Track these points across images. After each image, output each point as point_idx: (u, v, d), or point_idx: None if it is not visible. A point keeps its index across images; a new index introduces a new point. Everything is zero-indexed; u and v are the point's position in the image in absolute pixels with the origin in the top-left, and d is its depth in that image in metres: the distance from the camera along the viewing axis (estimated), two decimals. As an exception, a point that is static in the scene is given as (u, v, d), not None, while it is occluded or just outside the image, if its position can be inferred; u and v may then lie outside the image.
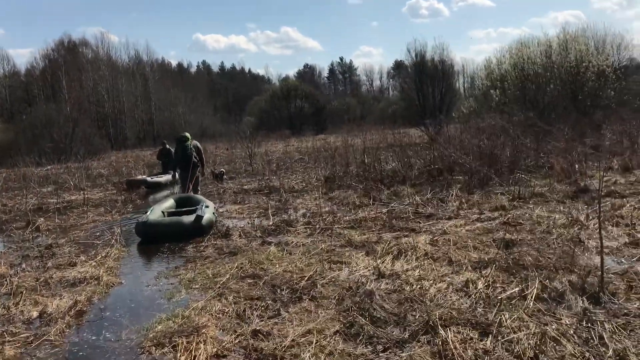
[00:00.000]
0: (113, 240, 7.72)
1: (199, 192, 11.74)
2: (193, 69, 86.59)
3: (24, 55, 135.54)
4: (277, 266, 5.70)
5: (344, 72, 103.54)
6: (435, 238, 6.40)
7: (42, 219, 10.18)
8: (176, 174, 11.59)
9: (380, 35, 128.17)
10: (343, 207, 9.54)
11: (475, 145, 11.32)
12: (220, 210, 10.38)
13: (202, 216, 8.37)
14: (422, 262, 5.43)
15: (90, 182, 18.87)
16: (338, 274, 5.33)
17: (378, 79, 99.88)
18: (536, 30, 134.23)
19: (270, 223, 8.29)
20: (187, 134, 11.43)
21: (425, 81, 29.01)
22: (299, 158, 22.80)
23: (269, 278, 5.30)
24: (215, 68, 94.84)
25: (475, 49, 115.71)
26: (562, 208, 7.85)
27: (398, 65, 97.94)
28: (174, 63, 78.94)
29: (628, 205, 7.55)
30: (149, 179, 16.42)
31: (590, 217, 6.83)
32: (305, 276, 5.25)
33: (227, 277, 5.47)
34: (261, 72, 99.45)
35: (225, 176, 15.70)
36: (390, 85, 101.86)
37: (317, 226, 7.76)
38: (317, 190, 11.88)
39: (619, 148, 12.89)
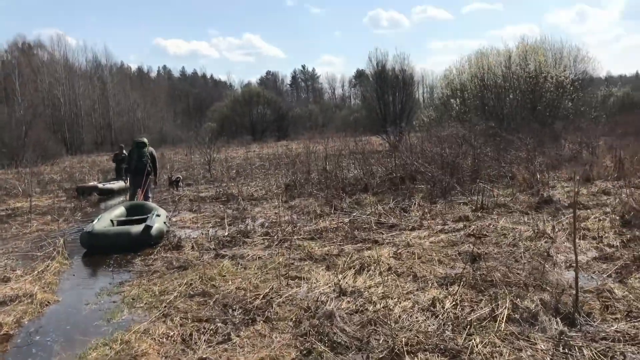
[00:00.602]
0: (55, 253, 7.12)
1: (150, 200, 11.20)
2: (153, 74, 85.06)
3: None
4: (230, 283, 5.28)
5: (306, 79, 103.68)
6: (399, 251, 6.09)
7: (-22, 227, 9.46)
8: (127, 179, 11.06)
9: (342, 44, 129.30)
10: (304, 216, 9.18)
11: (437, 153, 11.13)
12: (174, 219, 9.87)
13: (152, 226, 7.89)
14: (386, 278, 5.11)
15: (40, 188, 17.97)
16: (296, 292, 4.95)
17: (340, 87, 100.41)
18: (494, 42, 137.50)
19: (226, 234, 7.85)
20: (145, 140, 10.89)
21: (386, 90, 28.99)
22: (259, 164, 22.35)
23: (220, 296, 4.88)
24: (176, 73, 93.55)
25: (434, 60, 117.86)
26: (526, 219, 7.68)
27: (359, 74, 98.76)
28: (133, 67, 77.25)
29: (593, 217, 7.43)
30: (100, 185, 15.70)
31: (557, 229, 6.65)
32: (260, 294, 4.85)
33: (175, 294, 5.02)
34: (223, 78, 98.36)
35: (181, 183, 15.13)
36: (352, 93, 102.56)
37: (276, 237, 7.36)
38: (277, 199, 11.50)
39: (579, 158, 12.95)
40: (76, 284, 5.97)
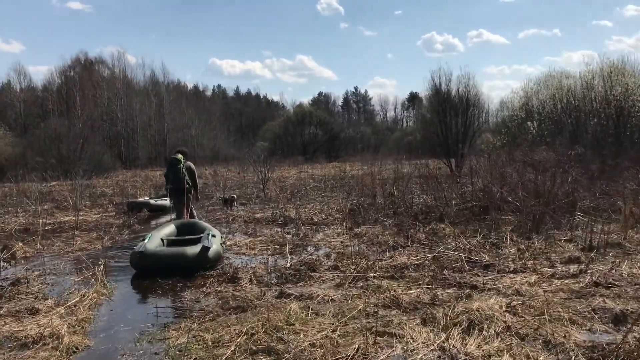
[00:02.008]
0: (93, 279, 6.18)
1: (196, 218, 10.33)
2: (208, 92, 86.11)
3: (43, 72, 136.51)
4: (302, 335, 4.14)
5: (358, 101, 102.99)
6: (511, 302, 4.80)
7: (21, 243, 8.71)
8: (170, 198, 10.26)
9: (394, 67, 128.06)
10: (374, 247, 7.99)
11: (528, 180, 9.75)
12: (228, 242, 8.86)
13: (209, 247, 7.01)
14: (508, 342, 3.86)
15: (91, 202, 17.50)
16: (389, 355, 3.77)
17: (392, 109, 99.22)
18: (551, 68, 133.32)
19: (288, 265, 6.74)
20: (180, 156, 10.00)
21: (449, 112, 27.54)
22: (314, 185, 21.32)
23: (291, 356, 3.75)
24: (230, 92, 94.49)
25: (489, 85, 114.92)
26: (654, 264, 6.25)
27: (413, 97, 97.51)
28: (189, 85, 78.40)
29: None
30: (152, 201, 14.99)
31: None
32: (343, 356, 3.69)
33: (232, 348, 3.93)
34: (276, 98, 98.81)
35: (235, 202, 14.22)
36: (405, 116, 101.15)
37: (347, 272, 6.20)
38: (339, 224, 10.36)
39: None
40: (113, 323, 4.95)
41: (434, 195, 11.58)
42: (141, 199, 15.60)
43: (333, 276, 6.17)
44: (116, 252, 8.76)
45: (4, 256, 8.15)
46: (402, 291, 5.42)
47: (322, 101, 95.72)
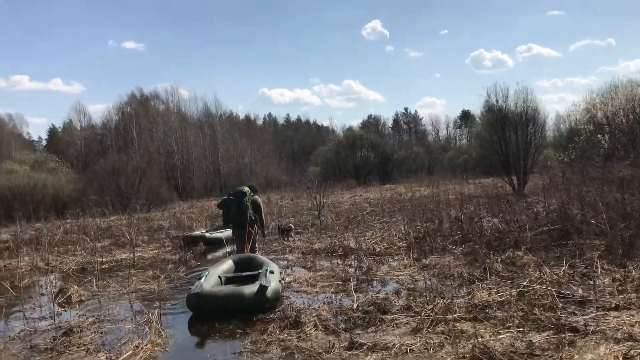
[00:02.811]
0: (147, 328, 5.76)
1: (257, 253, 9.89)
2: (259, 122, 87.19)
3: (101, 110, 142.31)
4: (383, 401, 3.53)
5: (408, 122, 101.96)
6: (629, 352, 4.03)
7: (76, 286, 8.47)
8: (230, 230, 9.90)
9: (443, 86, 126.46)
10: (447, 280, 7.28)
11: (610, 199, 8.82)
12: (287, 278, 8.34)
13: (267, 287, 6.55)
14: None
15: (148, 237, 17.45)
16: None
17: (444, 128, 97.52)
18: (606, 79, 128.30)
19: (355, 305, 6.13)
20: (246, 189, 9.67)
21: (508, 128, 26.42)
22: (370, 210, 20.67)
23: None
24: (280, 120, 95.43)
25: (542, 99, 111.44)
26: None
27: (465, 115, 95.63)
28: (241, 116, 79.61)
29: None
30: (207, 234, 14.72)
31: None
32: None
33: (303, 419, 3.36)
34: (325, 123, 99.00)
35: (292, 232, 13.75)
36: (457, 134, 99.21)
37: (423, 314, 5.53)
38: (404, 254, 9.68)
39: None
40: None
41: (504, 219, 10.73)
42: (197, 232, 15.37)
43: (407, 319, 5.51)
44: (173, 292, 8.40)
45: (60, 300, 7.92)
46: (490, 336, 4.72)
47: (371, 124, 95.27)
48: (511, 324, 5.03)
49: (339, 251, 10.69)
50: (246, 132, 68.54)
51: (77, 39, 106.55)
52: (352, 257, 9.89)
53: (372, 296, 6.52)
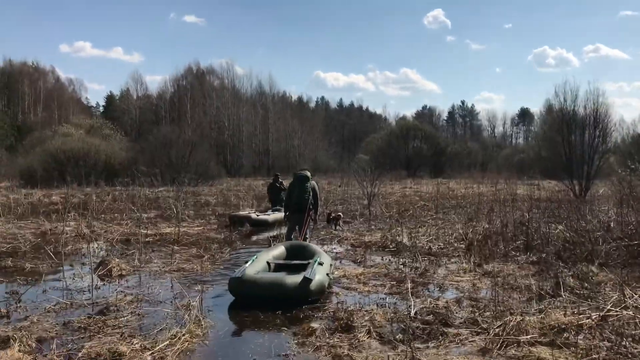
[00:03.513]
0: (186, 315, 5.34)
1: (308, 241, 9.44)
2: (312, 104, 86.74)
3: (158, 81, 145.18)
4: None
5: (464, 115, 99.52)
6: None
7: (117, 259, 8.19)
8: (287, 214, 9.46)
9: (503, 81, 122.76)
10: (513, 292, 6.58)
11: None
12: (336, 272, 7.82)
13: (311, 279, 6.15)
14: None
15: (194, 212, 17.31)
16: None
17: (501, 125, 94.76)
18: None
19: (413, 312, 5.53)
20: (308, 173, 9.28)
21: (575, 130, 24.97)
22: (422, 204, 19.88)
23: None
24: (333, 104, 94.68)
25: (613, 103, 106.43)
26: None
27: (524, 113, 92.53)
28: (294, 97, 79.31)
29: None
30: (254, 215, 14.37)
31: None
32: None
33: None
34: (378, 111, 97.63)
35: (340, 221, 13.21)
36: (514, 132, 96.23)
37: (491, 331, 4.89)
38: (462, 257, 8.99)
39: None
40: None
41: (573, 227, 9.86)
42: (243, 212, 15.04)
43: (473, 335, 4.89)
44: (216, 274, 8.02)
45: (100, 273, 7.66)
46: (574, 370, 4.06)
47: (426, 115, 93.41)
48: (597, 356, 4.33)
49: (390, 246, 10.09)
50: (298, 114, 68.29)
51: (139, 9, 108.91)
52: (406, 254, 9.27)
53: (430, 303, 5.90)
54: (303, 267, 6.99)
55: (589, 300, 6.02)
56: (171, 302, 6.12)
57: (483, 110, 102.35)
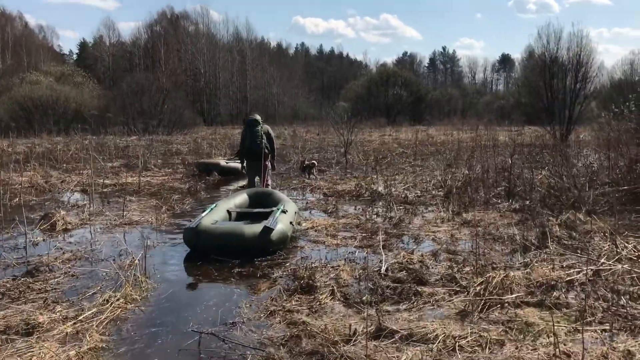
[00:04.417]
0: (123, 277, 4.65)
1: (271, 188, 8.81)
2: (291, 51, 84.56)
3: (133, 28, 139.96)
4: None
5: (445, 62, 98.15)
6: None
7: (63, 212, 7.42)
8: (244, 164, 8.75)
9: (483, 28, 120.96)
10: (494, 243, 6.00)
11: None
12: (304, 223, 7.17)
13: (272, 229, 5.59)
14: None
15: (163, 161, 16.46)
16: None
17: (481, 71, 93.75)
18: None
19: (384, 269, 4.91)
20: (257, 117, 8.51)
21: (557, 74, 24.26)
22: (401, 152, 19.24)
23: None
24: (313, 51, 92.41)
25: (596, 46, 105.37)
26: None
27: (505, 59, 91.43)
28: (272, 43, 77.08)
29: None
30: (223, 162, 13.56)
31: None
32: None
33: None
34: (359, 57, 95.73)
35: (314, 170, 12.51)
36: (495, 79, 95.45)
37: (471, 289, 4.30)
38: (440, 205, 8.40)
39: None
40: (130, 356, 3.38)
41: (557, 172, 9.30)
42: (212, 160, 14.24)
43: (450, 295, 4.29)
44: (172, 226, 7.33)
45: (43, 227, 6.91)
46: (567, 335, 3.49)
47: (406, 61, 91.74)
48: (592, 318, 3.76)
49: (365, 195, 9.45)
50: (276, 61, 66.52)
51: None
52: (381, 204, 8.65)
53: (404, 257, 5.29)
54: (266, 216, 6.42)
55: (578, 251, 5.47)
56: (114, 260, 5.43)
57: (464, 57, 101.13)
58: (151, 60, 58.86)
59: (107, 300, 4.12)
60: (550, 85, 24.32)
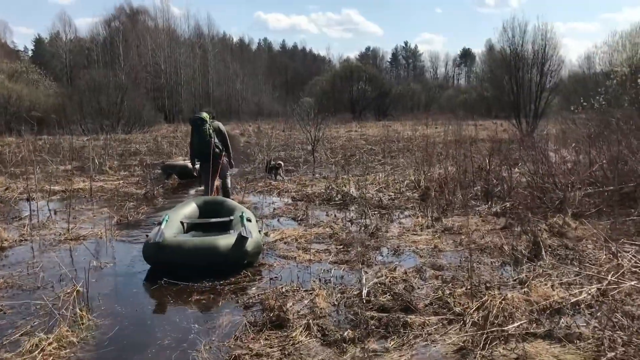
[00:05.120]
0: (58, 315, 3.91)
1: (230, 190, 8.13)
2: (254, 46, 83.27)
3: (88, 23, 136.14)
4: None
5: (407, 57, 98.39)
6: None
7: (1, 227, 6.56)
8: (195, 166, 8.02)
9: (444, 22, 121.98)
10: (484, 257, 5.45)
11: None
12: (272, 234, 6.52)
13: (247, 238, 5.01)
14: None
15: (120, 162, 15.52)
16: None
17: (443, 66, 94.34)
18: (609, 26, 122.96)
19: (365, 293, 4.29)
20: (204, 114, 7.74)
21: (523, 67, 24.17)
22: (369, 149, 18.75)
23: None
24: (276, 46, 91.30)
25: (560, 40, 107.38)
26: None
27: (465, 53, 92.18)
28: (235, 39, 75.69)
29: None
30: (183, 161, 12.55)
31: None
32: None
33: None
34: (322, 53, 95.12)
35: (281, 171, 11.82)
36: (456, 73, 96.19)
37: (467, 318, 3.73)
38: (417, 209, 7.86)
39: None
40: None
41: (537, 171, 8.85)
42: (179, 162, 13.11)
43: (444, 325, 3.71)
44: (124, 240, 6.56)
45: (-25, 245, 6.07)
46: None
47: (369, 56, 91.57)
48: (613, 354, 3.23)
49: (336, 199, 8.83)
50: (239, 56, 65.39)
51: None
52: (353, 208, 8.06)
53: (386, 277, 4.69)
54: (224, 226, 5.85)
55: (575, 263, 4.99)
56: (52, 287, 4.68)
57: (426, 52, 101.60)
58: (110, 56, 56.93)
59: (37, 346, 3.40)
60: (515, 78, 24.22)
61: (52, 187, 9.94)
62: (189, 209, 6.51)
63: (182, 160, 13.14)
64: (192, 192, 10.49)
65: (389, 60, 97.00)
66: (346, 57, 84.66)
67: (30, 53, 69.40)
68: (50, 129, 28.73)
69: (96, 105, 32.38)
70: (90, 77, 36.42)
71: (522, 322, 3.67)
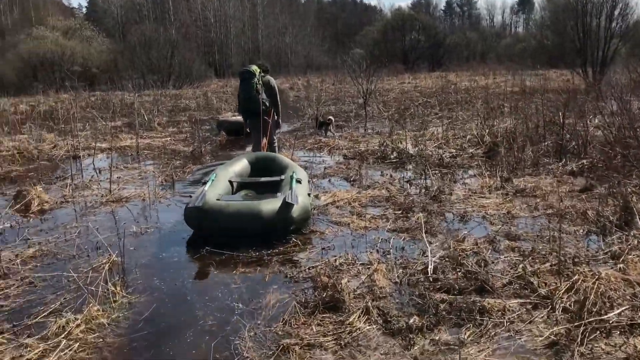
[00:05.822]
0: (87, 292, 3.55)
1: (276, 149, 7.64)
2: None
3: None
4: None
5: (462, 5, 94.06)
6: None
7: (39, 188, 6.30)
8: (247, 122, 7.51)
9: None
10: (566, 224, 4.76)
11: None
12: (323, 197, 6.01)
13: (293, 204, 4.53)
14: None
15: (169, 118, 15.30)
16: None
17: (500, 14, 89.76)
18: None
19: (430, 269, 3.74)
20: (254, 67, 7.12)
21: (590, 11, 22.30)
22: (424, 101, 17.79)
23: None
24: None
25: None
26: None
27: (523, 1, 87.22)
28: (284, -10, 73.94)
29: None
30: (232, 118, 12.14)
31: None
32: None
33: None
34: (373, 2, 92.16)
35: (332, 127, 11.22)
36: (514, 21, 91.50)
37: (556, 303, 3.13)
38: (484, 167, 7.15)
39: None
40: None
41: (616, 125, 7.92)
42: (228, 118, 12.65)
43: (529, 311, 3.13)
44: (169, 202, 6.20)
45: (17, 207, 5.84)
46: None
47: (422, 5, 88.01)
48: None
49: (391, 157, 8.20)
50: (288, 9, 64.00)
51: None
52: (411, 167, 7.44)
53: (454, 247, 4.11)
54: (274, 186, 5.46)
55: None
56: (88, 256, 4.35)
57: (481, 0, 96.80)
58: (160, 11, 56.95)
59: (64, 328, 3.04)
60: (582, 24, 22.40)
61: (98, 145, 9.73)
62: (239, 165, 6.11)
63: (232, 116, 12.74)
64: (242, 152, 10.07)
65: (443, 8, 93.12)
66: (398, 6, 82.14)
67: (84, 10, 70.40)
68: (102, 85, 28.98)
69: (147, 61, 32.40)
70: (140, 32, 36.37)
71: (624, 308, 3.05)
